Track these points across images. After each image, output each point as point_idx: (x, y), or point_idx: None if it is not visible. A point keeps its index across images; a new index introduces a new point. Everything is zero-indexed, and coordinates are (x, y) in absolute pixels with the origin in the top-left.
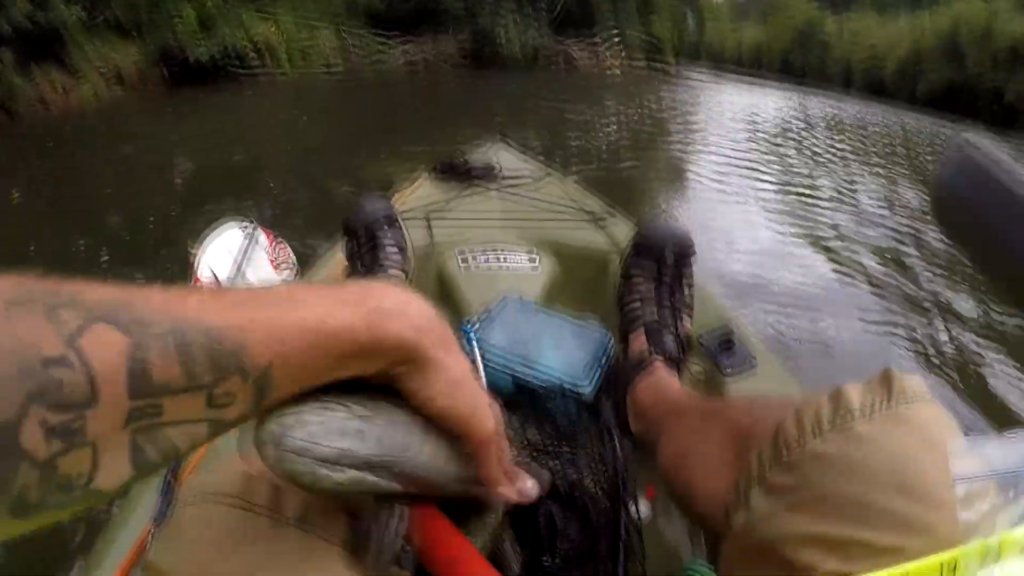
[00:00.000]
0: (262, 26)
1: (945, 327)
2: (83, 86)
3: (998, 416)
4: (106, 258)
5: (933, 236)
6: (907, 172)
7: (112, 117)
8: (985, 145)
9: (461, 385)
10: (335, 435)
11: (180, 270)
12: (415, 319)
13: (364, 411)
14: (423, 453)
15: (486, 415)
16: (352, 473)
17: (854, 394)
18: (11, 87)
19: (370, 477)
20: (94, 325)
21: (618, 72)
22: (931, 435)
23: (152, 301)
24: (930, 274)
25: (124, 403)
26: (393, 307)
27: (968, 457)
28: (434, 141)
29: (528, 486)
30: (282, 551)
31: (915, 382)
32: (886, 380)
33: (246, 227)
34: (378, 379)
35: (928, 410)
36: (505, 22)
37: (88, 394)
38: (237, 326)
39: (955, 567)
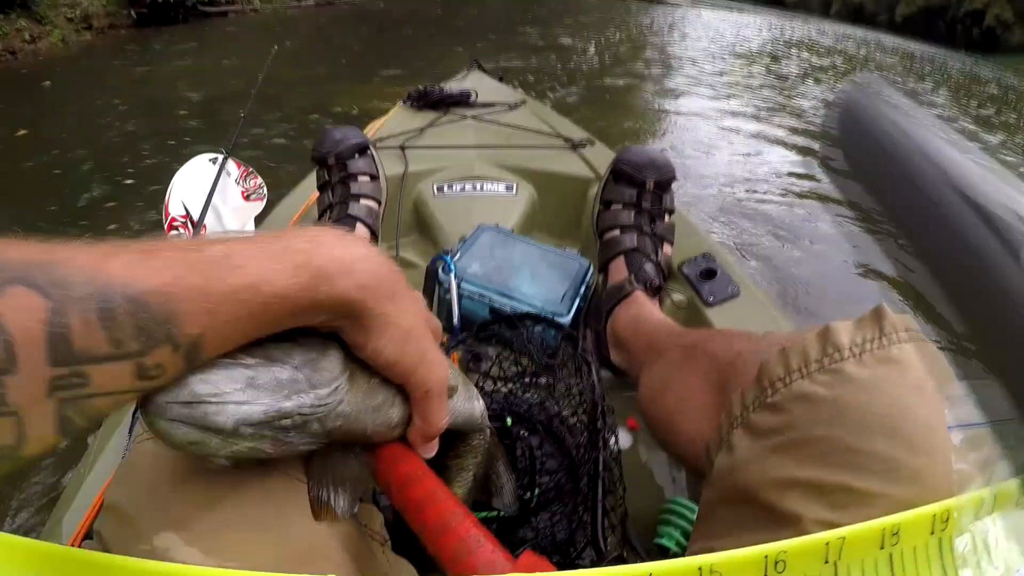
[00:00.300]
0: None
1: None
2: (51, 33)
3: None
4: (81, 203)
5: None
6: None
7: (81, 62)
8: (880, 92)
9: (409, 337)
10: (236, 389)
11: (148, 206)
12: (360, 276)
13: (278, 361)
14: (348, 402)
15: (432, 366)
16: (251, 439)
17: (843, 332)
18: None
19: (280, 436)
20: (10, 287)
21: None
22: (923, 378)
23: (74, 261)
24: None
25: (44, 370)
26: (337, 265)
27: (963, 403)
28: (408, 78)
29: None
30: (241, 488)
31: (908, 321)
32: (877, 318)
33: (216, 159)
34: (319, 328)
35: (922, 351)
36: None
37: (5, 361)
38: (166, 293)
39: (947, 519)
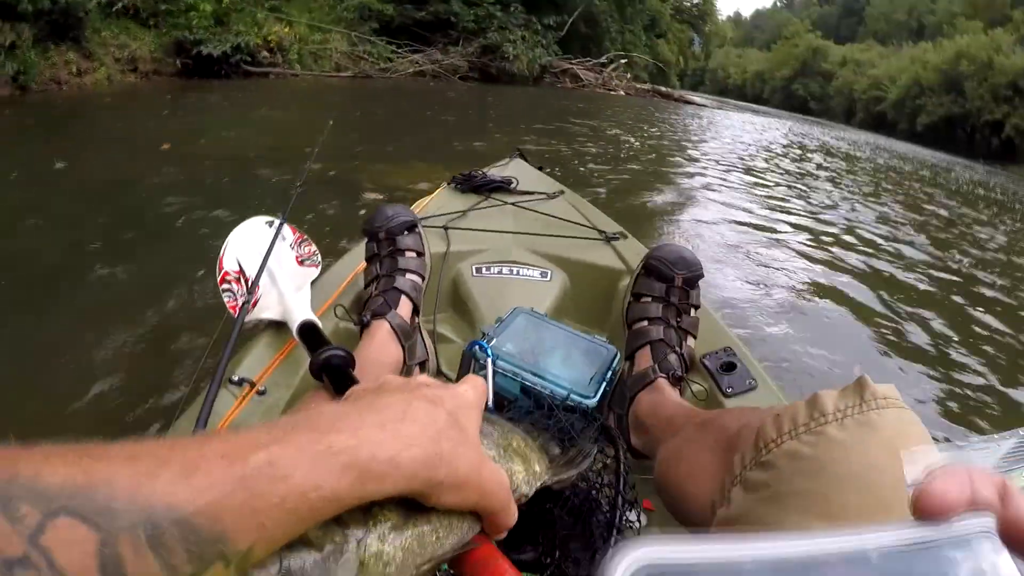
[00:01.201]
0: (276, 26)
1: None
2: (98, 70)
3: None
4: (96, 246)
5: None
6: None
7: (124, 102)
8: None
9: (465, 485)
10: None
11: (170, 261)
12: (408, 468)
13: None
14: (397, 547)
15: (492, 495)
16: None
17: (829, 399)
18: (26, 62)
19: None
20: (57, 519)
21: (622, 93)
22: (895, 441)
23: (117, 485)
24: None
25: None
26: (383, 465)
27: (930, 463)
28: (438, 153)
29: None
30: None
31: (888, 389)
32: (860, 387)
33: (272, 222)
34: None
35: (898, 416)
36: (514, 38)
37: None
38: (213, 514)
39: None
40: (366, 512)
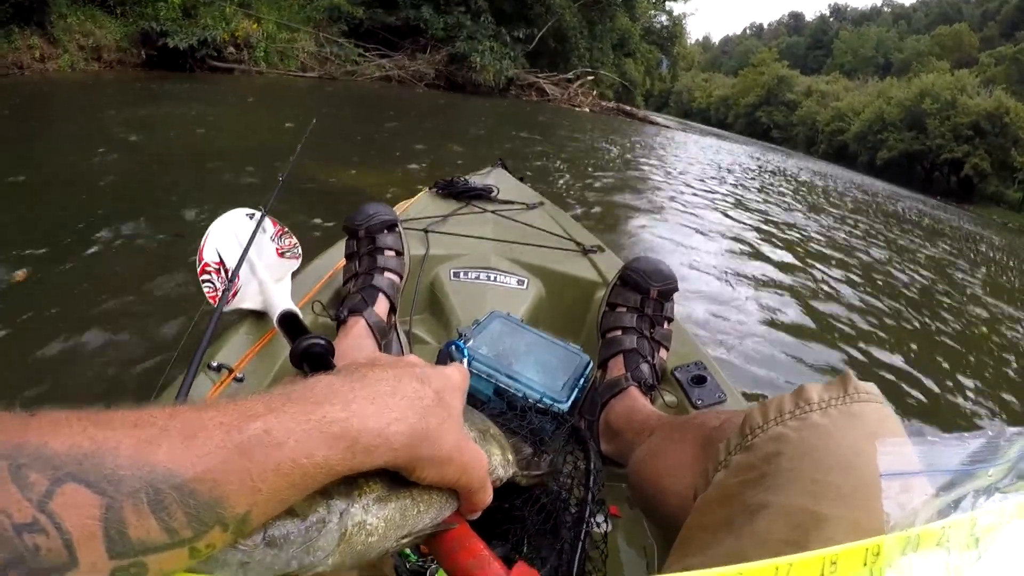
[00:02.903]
0: (244, 22)
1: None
2: (61, 56)
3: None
4: (54, 235)
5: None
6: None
7: (86, 89)
8: None
9: (448, 460)
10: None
11: (114, 251)
12: (396, 440)
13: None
14: (379, 517)
15: (471, 472)
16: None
17: (814, 391)
18: None
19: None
20: (64, 485)
21: (587, 110)
22: (876, 431)
23: (121, 451)
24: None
25: (105, 563)
26: (372, 437)
27: (904, 455)
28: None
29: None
30: None
31: (870, 386)
32: (843, 382)
33: (253, 214)
34: None
35: (878, 410)
36: (483, 48)
37: (67, 558)
38: (212, 479)
39: (878, 552)
40: (350, 484)
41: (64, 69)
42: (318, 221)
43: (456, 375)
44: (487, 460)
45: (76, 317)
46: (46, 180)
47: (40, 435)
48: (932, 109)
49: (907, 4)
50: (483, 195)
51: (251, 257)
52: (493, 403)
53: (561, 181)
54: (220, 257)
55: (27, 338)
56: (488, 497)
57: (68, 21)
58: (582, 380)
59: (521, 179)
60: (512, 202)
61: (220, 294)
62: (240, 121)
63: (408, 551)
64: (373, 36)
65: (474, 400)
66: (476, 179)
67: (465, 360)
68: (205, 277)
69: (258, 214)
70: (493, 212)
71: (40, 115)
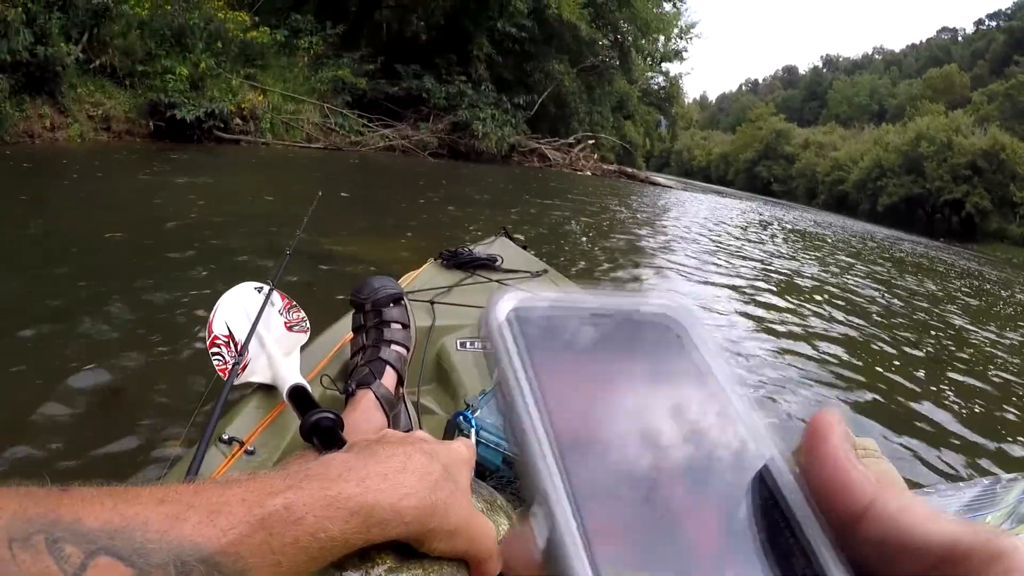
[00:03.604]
0: (250, 94)
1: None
2: (71, 126)
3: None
4: (57, 303)
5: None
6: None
7: (95, 159)
8: None
9: (455, 533)
10: None
11: (141, 320)
12: (408, 515)
13: None
14: None
15: (480, 543)
16: None
17: None
18: (1, 114)
19: None
20: (97, 558)
21: (589, 174)
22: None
23: (150, 527)
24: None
25: None
26: (386, 512)
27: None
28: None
29: None
30: None
31: (868, 442)
32: None
33: (261, 287)
34: None
35: (877, 464)
36: (484, 116)
37: None
38: (235, 552)
39: None
40: (364, 556)
41: (74, 139)
42: (325, 292)
43: (463, 450)
44: (495, 531)
45: (78, 388)
46: (48, 250)
47: (73, 511)
48: (929, 152)
49: (897, 50)
50: (487, 265)
51: (260, 331)
52: (502, 472)
53: (567, 243)
54: (229, 330)
55: (24, 409)
56: (498, 567)
57: (79, 91)
58: None
59: (525, 247)
60: (516, 271)
61: (230, 368)
62: (246, 191)
63: None
64: (377, 106)
65: (483, 470)
66: (480, 248)
67: (473, 431)
68: (215, 350)
69: (266, 288)
70: (498, 282)
71: (47, 183)
